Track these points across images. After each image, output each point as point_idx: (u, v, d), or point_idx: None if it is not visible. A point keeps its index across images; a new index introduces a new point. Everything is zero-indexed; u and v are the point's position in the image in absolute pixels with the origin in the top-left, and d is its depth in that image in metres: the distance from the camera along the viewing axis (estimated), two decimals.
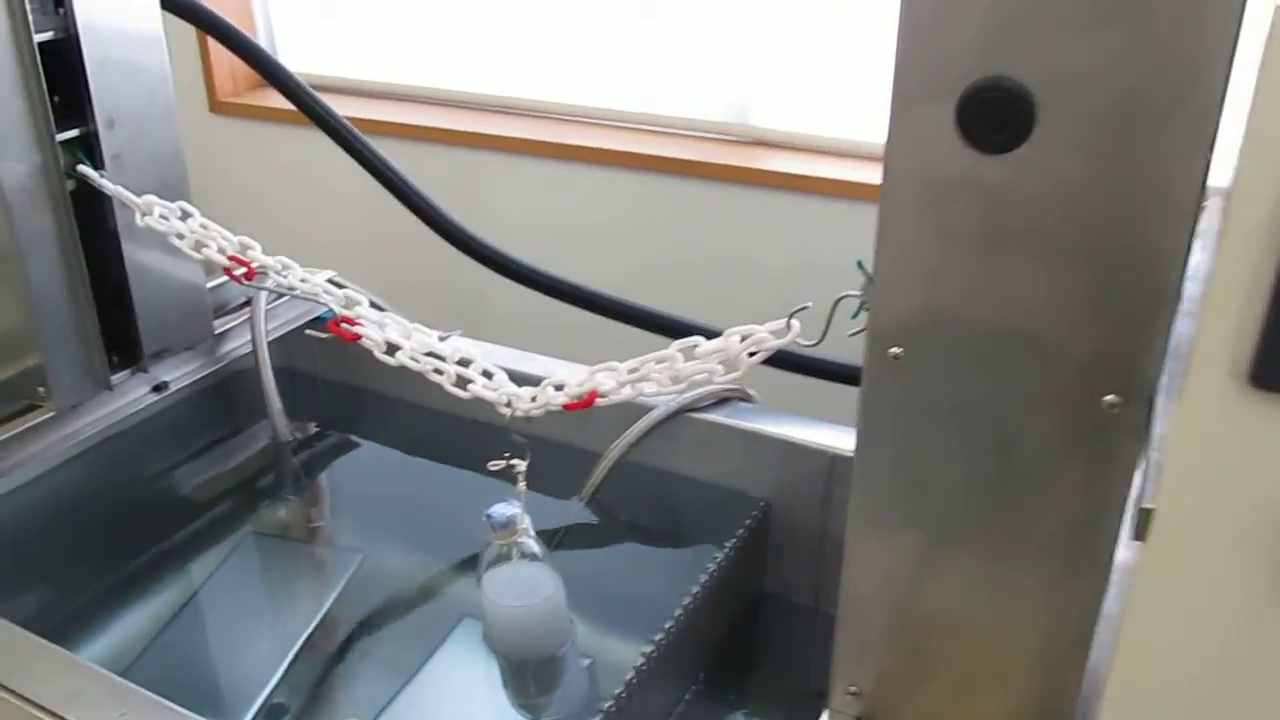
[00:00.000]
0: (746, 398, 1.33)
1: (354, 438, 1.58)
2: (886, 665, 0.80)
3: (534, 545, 1.06)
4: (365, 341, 1.06)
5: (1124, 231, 0.59)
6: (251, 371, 1.48)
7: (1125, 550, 0.66)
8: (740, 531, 1.26)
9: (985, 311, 0.63)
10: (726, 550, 1.23)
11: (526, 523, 1.03)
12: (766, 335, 0.88)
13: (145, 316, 1.35)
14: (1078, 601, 0.70)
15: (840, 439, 1.25)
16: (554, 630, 1.11)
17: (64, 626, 1.25)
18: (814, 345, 0.85)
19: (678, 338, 1.02)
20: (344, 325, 1.06)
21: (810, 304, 0.85)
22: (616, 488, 1.34)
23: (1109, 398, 0.62)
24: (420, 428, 1.50)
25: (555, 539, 1.30)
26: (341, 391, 1.58)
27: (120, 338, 1.36)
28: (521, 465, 1.01)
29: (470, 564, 1.35)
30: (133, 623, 1.27)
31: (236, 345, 1.52)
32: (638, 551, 1.37)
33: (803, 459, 1.27)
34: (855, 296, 0.81)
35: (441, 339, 1.48)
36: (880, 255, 0.65)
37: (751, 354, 0.88)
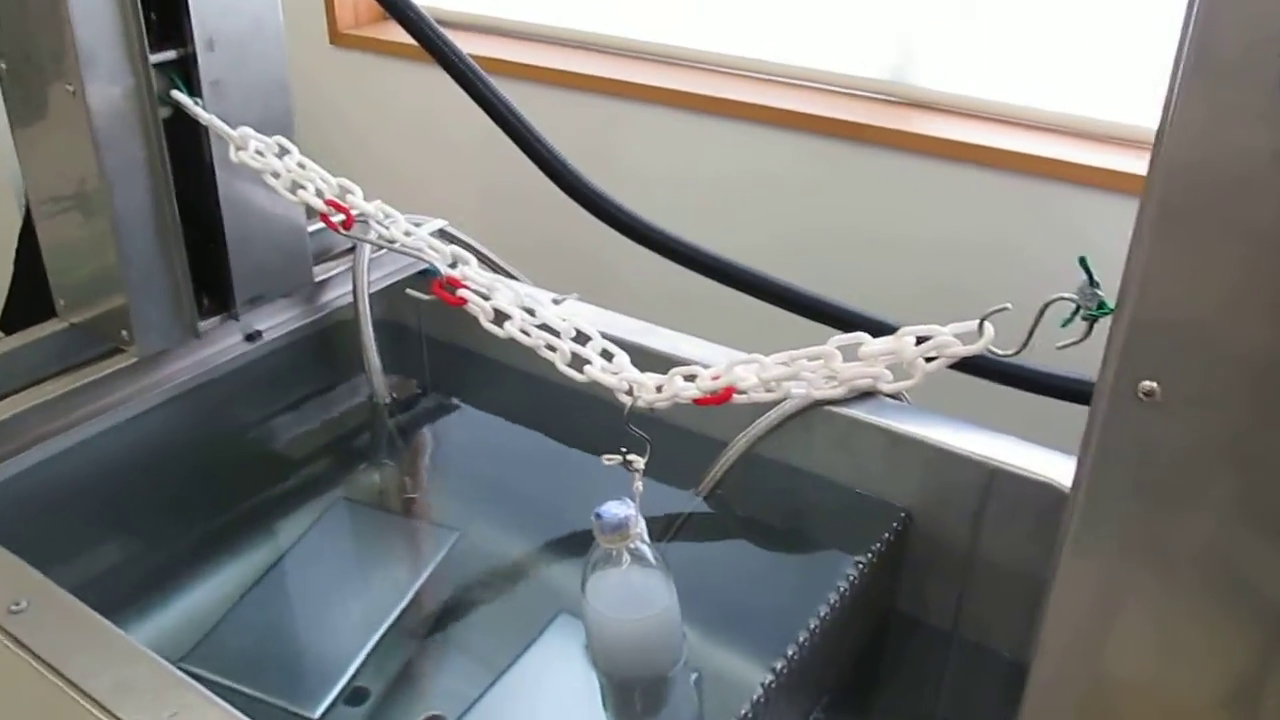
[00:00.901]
0: (894, 394, 1.18)
1: (458, 403, 1.48)
2: None
3: (648, 551, 0.92)
4: (471, 308, 0.94)
5: None
6: (351, 324, 1.37)
7: None
8: (877, 545, 1.13)
9: None
10: (861, 564, 1.10)
11: (641, 526, 0.90)
12: (951, 339, 0.72)
13: (239, 259, 1.25)
14: None
15: (1002, 449, 1.11)
16: (665, 647, 0.98)
17: (134, 589, 1.17)
18: (1011, 355, 0.70)
19: (829, 323, 0.88)
20: (447, 288, 0.94)
21: (1009, 306, 0.70)
22: (740, 482, 1.21)
23: None
24: (531, 398, 1.39)
25: (668, 533, 1.19)
26: (447, 352, 1.47)
27: (212, 281, 1.26)
28: (640, 462, 0.88)
29: (576, 553, 1.24)
30: (210, 589, 1.19)
31: (337, 295, 1.42)
32: (760, 556, 1.24)
33: (955, 468, 1.12)
34: (1070, 300, 0.66)
35: (556, 302, 1.36)
36: (1139, 261, 0.50)
37: (930, 359, 0.73)
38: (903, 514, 1.16)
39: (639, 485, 0.89)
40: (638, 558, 0.93)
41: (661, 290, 1.58)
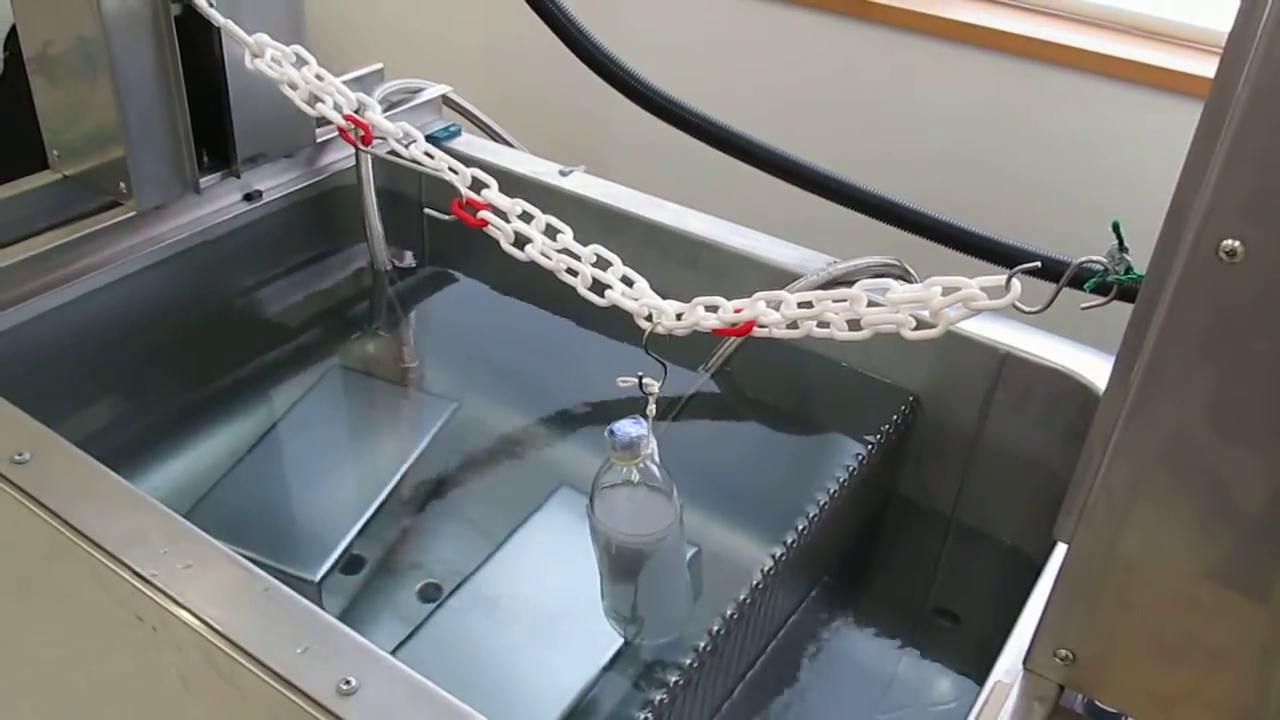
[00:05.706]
0: (906, 276, 1.17)
1: (459, 274, 1.45)
2: (1123, 633, 0.64)
3: (656, 471, 0.91)
4: (491, 230, 0.92)
5: None
6: (353, 189, 1.34)
7: None
8: (885, 427, 1.12)
9: None
10: (869, 448, 1.09)
11: (653, 447, 0.89)
12: (978, 293, 0.72)
13: (241, 115, 1.21)
14: None
15: (1014, 334, 1.10)
16: (668, 562, 0.97)
17: (129, 448, 1.15)
18: (1036, 313, 0.70)
19: (832, 198, 0.85)
20: (468, 209, 0.92)
21: (1039, 264, 0.70)
22: (748, 362, 1.20)
23: None
24: (531, 271, 1.36)
25: (673, 411, 1.17)
26: (449, 221, 1.43)
27: (213, 138, 1.21)
28: (655, 386, 0.87)
29: (575, 429, 1.24)
30: (204, 451, 1.17)
31: (339, 158, 1.38)
32: (766, 436, 1.24)
33: (966, 353, 1.11)
34: (1097, 264, 0.67)
35: (563, 174, 1.34)
36: (1240, 98, 0.47)
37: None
38: (911, 398, 1.15)
39: (653, 409, 0.88)
40: (646, 478, 0.92)
41: (659, 153, 1.54)
